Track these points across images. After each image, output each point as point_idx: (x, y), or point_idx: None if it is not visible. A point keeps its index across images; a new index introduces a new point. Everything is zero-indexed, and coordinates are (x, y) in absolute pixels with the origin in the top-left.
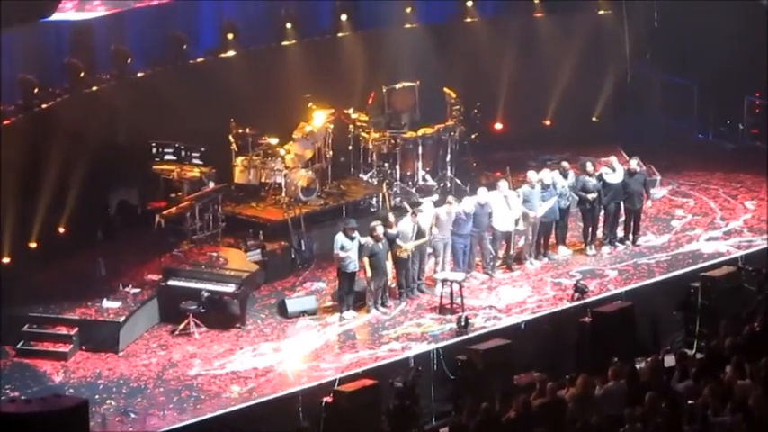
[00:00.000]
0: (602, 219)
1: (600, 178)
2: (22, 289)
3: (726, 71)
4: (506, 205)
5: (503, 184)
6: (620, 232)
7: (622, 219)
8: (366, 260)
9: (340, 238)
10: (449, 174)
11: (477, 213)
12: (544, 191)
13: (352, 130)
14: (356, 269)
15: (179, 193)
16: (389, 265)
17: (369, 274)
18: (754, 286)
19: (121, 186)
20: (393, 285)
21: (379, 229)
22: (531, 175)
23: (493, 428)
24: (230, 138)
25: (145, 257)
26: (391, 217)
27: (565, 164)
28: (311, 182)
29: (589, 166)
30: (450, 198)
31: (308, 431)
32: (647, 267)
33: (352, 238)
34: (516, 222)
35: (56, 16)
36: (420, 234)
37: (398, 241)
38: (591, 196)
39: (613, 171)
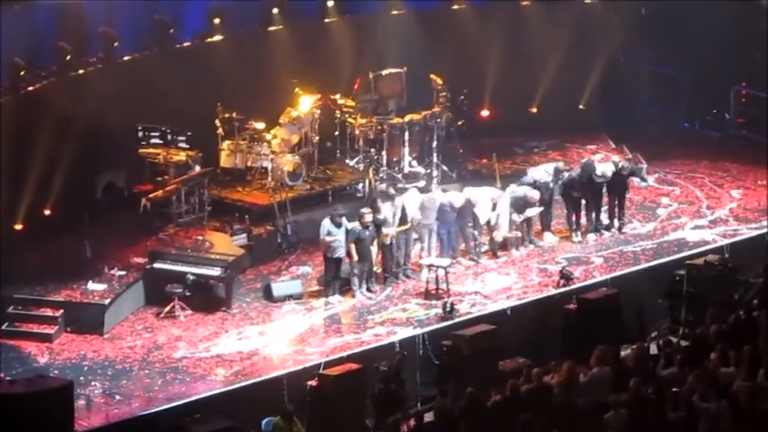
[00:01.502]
0: (586, 206)
1: (589, 178)
2: (8, 270)
3: (713, 61)
4: (490, 204)
5: (495, 190)
6: (605, 219)
7: (605, 208)
8: (352, 245)
9: (326, 224)
10: (435, 160)
11: (464, 206)
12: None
13: (339, 116)
14: (343, 255)
15: (165, 177)
16: (375, 251)
17: (355, 258)
18: (697, 289)
19: (108, 169)
20: (378, 270)
21: (368, 216)
22: (532, 194)
23: (478, 413)
24: (217, 122)
25: (131, 240)
26: (378, 203)
27: (561, 165)
28: (297, 167)
29: (587, 170)
30: (434, 186)
31: (292, 414)
32: (632, 255)
33: (338, 225)
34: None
35: None
36: (403, 220)
37: (383, 228)
38: (576, 194)
39: (604, 177)
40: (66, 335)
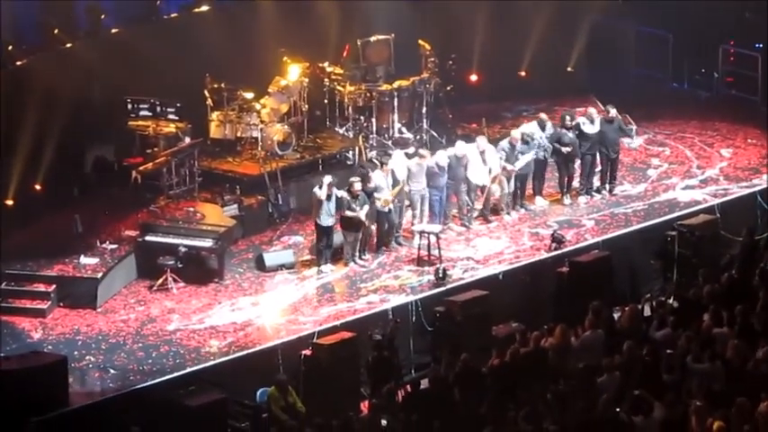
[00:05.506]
0: (578, 169)
1: (577, 129)
2: None
3: (700, 20)
4: (482, 159)
5: (480, 138)
6: (596, 182)
7: (599, 168)
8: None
9: (318, 193)
10: (425, 126)
11: (453, 165)
12: (524, 145)
13: (328, 84)
14: (333, 223)
15: (155, 149)
16: (366, 219)
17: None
18: (689, 250)
19: (97, 143)
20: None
21: (357, 185)
22: (515, 133)
23: (472, 379)
24: (205, 93)
25: (122, 214)
26: (368, 172)
27: (543, 115)
28: (287, 136)
29: (567, 120)
30: (422, 151)
31: (287, 384)
32: (623, 217)
33: (329, 196)
34: (494, 179)
35: None
36: (396, 183)
37: (376, 195)
38: (565, 149)
39: (591, 122)
40: (59, 310)
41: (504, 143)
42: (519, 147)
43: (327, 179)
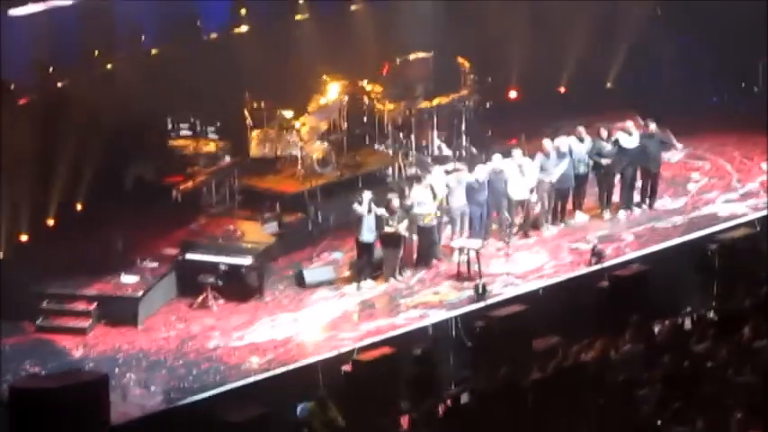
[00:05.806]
0: (618, 183)
1: (616, 143)
2: (41, 265)
3: (740, 34)
4: (520, 173)
5: (517, 151)
6: (636, 196)
7: (639, 183)
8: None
9: (358, 209)
10: (464, 143)
11: (492, 180)
12: (560, 158)
13: (367, 102)
14: (373, 239)
15: (195, 168)
16: (407, 235)
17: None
18: (729, 263)
19: (138, 162)
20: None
21: (396, 202)
22: (546, 143)
23: (512, 394)
24: (245, 111)
25: (162, 232)
26: (408, 188)
27: (581, 129)
28: (327, 153)
29: (604, 132)
30: (461, 166)
31: (327, 400)
32: (664, 231)
33: (369, 212)
34: (531, 191)
35: None
36: (435, 199)
37: (416, 210)
38: (605, 161)
39: (630, 135)
40: (100, 328)
41: (540, 156)
42: (553, 159)
43: (367, 195)
